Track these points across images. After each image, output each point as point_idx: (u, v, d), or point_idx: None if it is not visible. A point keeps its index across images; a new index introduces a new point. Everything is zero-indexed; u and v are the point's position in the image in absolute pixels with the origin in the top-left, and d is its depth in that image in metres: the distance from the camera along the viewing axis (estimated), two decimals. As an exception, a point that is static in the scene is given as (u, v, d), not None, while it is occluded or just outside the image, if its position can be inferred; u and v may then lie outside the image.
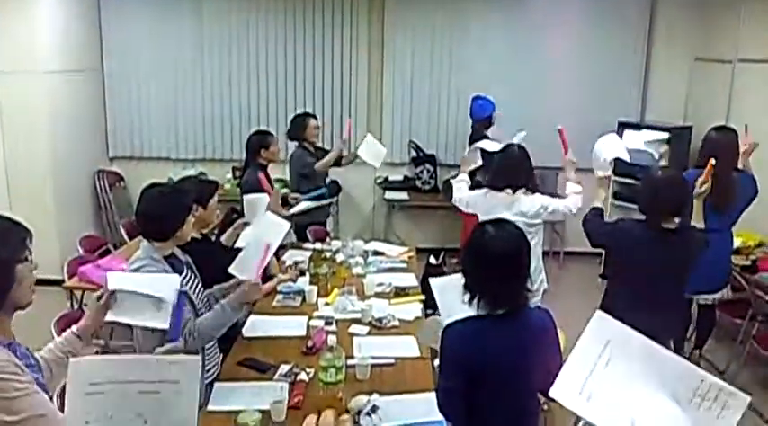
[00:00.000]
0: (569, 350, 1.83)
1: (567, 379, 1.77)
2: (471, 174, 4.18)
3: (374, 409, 2.43)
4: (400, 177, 6.93)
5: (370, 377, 2.76)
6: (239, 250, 2.78)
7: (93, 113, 6.57)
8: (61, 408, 1.69)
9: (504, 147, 3.93)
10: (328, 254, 4.36)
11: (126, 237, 5.05)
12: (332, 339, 2.57)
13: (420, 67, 6.71)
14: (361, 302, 3.53)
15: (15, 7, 5.48)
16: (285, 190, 5.12)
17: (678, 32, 6.56)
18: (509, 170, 3.78)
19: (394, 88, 6.76)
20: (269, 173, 4.76)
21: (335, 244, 4.62)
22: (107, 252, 4.94)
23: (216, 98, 6.74)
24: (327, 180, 5.50)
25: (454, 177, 4.28)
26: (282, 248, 4.45)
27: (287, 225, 3.02)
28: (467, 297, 2.12)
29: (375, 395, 2.53)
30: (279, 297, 3.65)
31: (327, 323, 3.09)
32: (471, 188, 4.03)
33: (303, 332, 3.21)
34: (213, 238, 3.61)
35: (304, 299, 3.63)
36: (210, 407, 2.53)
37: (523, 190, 3.75)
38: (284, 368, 2.80)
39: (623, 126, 6.31)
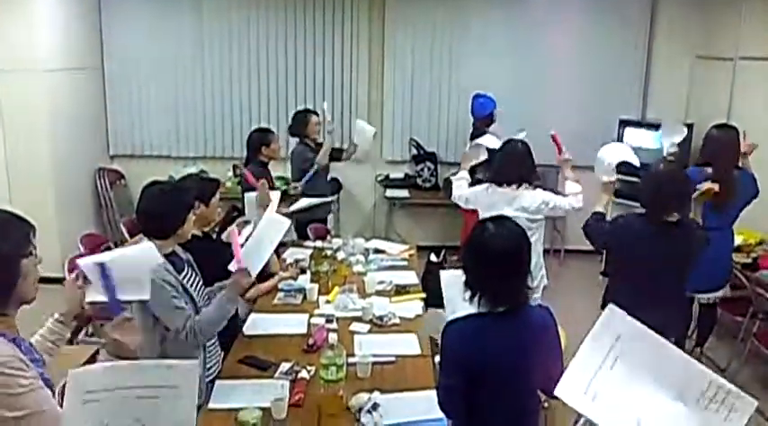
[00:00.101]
0: (570, 348, 1.82)
1: (573, 378, 1.76)
2: (472, 172, 4.19)
3: (375, 407, 2.43)
4: (401, 175, 6.93)
5: (371, 375, 2.76)
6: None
7: (93, 111, 6.57)
8: (61, 405, 1.68)
9: (505, 142, 3.94)
10: (329, 252, 4.36)
11: (127, 235, 5.05)
12: (333, 337, 2.57)
13: (420, 64, 6.71)
14: (362, 300, 3.53)
15: (15, 6, 5.48)
16: (285, 188, 5.12)
17: (679, 30, 6.55)
18: (511, 165, 3.78)
19: (394, 85, 6.76)
20: (270, 170, 4.77)
21: (336, 241, 4.62)
22: (108, 250, 4.94)
23: (216, 95, 6.74)
24: (329, 177, 5.51)
25: (455, 174, 4.28)
26: (283, 246, 4.45)
27: (287, 222, 3.02)
28: (467, 294, 2.13)
29: (376, 393, 2.54)
30: (280, 294, 3.65)
31: (328, 321, 3.10)
32: (472, 185, 4.03)
33: (304, 330, 3.21)
34: (214, 236, 3.61)
35: (305, 297, 3.63)
36: (211, 405, 2.54)
37: (525, 185, 3.75)
38: (285, 366, 2.80)
39: (624, 123, 6.32)
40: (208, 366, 2.78)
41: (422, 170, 6.76)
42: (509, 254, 2.10)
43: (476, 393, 2.08)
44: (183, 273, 2.68)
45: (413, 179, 6.82)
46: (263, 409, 2.41)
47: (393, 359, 2.92)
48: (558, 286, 5.08)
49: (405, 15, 6.62)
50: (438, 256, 5.03)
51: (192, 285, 2.71)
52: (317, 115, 5.30)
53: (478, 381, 2.07)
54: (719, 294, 4.19)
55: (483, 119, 5.92)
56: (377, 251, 4.49)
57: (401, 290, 3.78)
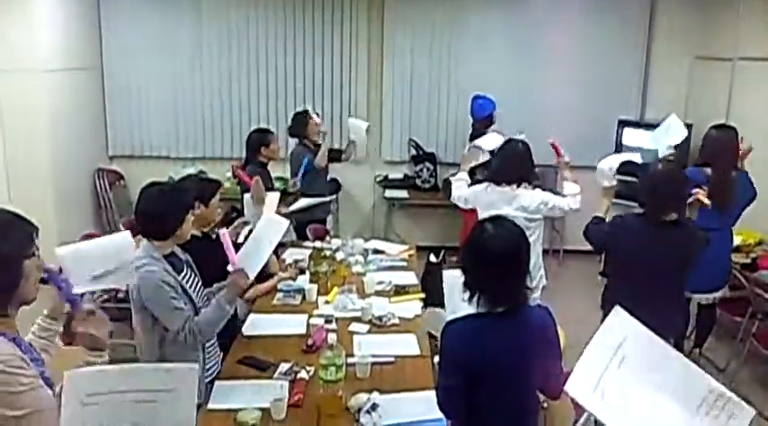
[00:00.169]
0: (570, 348, 1.83)
1: (583, 376, 1.77)
2: (471, 173, 4.19)
3: (374, 407, 2.43)
4: (400, 175, 6.93)
5: (371, 376, 2.77)
6: (238, 248, 2.78)
7: (92, 112, 6.57)
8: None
9: (506, 142, 3.94)
10: (328, 253, 4.36)
11: (126, 235, 5.04)
12: (332, 337, 2.57)
13: (420, 64, 6.71)
14: (362, 300, 3.53)
15: (15, 5, 5.47)
16: (284, 187, 5.12)
17: (678, 30, 6.56)
18: (511, 165, 3.79)
19: (393, 85, 6.76)
20: (269, 171, 4.77)
21: (335, 242, 4.62)
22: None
23: (215, 96, 6.75)
24: (328, 177, 5.51)
25: (454, 175, 4.28)
26: (282, 246, 4.45)
27: (286, 222, 3.02)
28: (467, 294, 2.13)
29: (375, 394, 2.54)
30: (279, 295, 3.65)
31: (327, 322, 3.09)
32: (470, 186, 4.03)
33: (303, 331, 3.21)
34: (213, 236, 3.61)
35: (304, 298, 3.63)
36: (211, 406, 2.54)
37: (525, 184, 3.75)
38: (284, 367, 2.80)
39: (623, 124, 6.32)
40: (207, 366, 2.78)
41: (421, 170, 6.76)
42: (508, 255, 2.10)
43: (475, 393, 2.08)
44: (183, 274, 2.69)
45: (412, 179, 6.82)
46: (262, 409, 2.42)
47: (392, 359, 2.92)
48: (557, 286, 5.08)
49: (404, 15, 6.62)
50: (437, 257, 5.02)
51: (191, 286, 2.72)
52: (318, 115, 5.31)
53: (478, 381, 2.07)
54: (719, 294, 4.19)
55: (482, 120, 5.92)
56: (376, 251, 4.49)
57: (400, 291, 3.78)
